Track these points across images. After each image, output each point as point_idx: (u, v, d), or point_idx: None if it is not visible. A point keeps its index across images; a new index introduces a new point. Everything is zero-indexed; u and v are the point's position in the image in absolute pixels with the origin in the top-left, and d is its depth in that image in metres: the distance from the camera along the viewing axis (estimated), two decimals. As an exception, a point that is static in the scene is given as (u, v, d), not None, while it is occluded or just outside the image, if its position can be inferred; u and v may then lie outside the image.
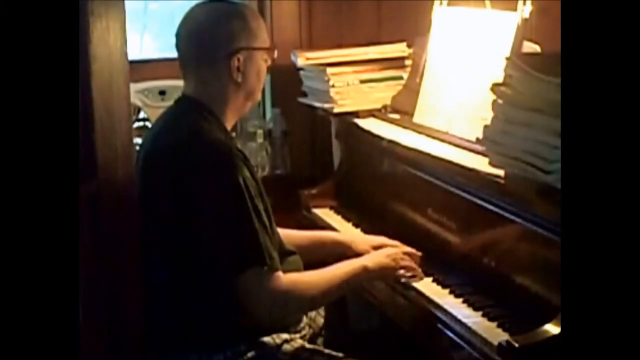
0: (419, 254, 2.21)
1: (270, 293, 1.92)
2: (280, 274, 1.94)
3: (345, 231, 2.53)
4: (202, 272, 1.95)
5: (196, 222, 1.93)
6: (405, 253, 2.18)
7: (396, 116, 2.69)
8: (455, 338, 1.87)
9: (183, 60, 2.12)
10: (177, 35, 2.12)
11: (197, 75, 2.09)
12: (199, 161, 1.95)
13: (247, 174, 1.97)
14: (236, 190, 1.92)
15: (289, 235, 2.22)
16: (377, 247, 2.31)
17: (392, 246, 2.30)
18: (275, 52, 2.18)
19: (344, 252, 2.31)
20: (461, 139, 2.29)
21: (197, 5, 2.14)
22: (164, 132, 2.08)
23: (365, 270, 2.08)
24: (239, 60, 2.07)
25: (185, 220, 1.93)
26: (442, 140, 2.36)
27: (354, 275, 2.07)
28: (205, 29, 2.07)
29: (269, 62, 2.17)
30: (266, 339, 2.00)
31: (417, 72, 2.63)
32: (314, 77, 2.88)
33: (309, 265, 2.18)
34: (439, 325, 1.93)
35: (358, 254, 2.25)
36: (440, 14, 2.56)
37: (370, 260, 2.12)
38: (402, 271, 2.14)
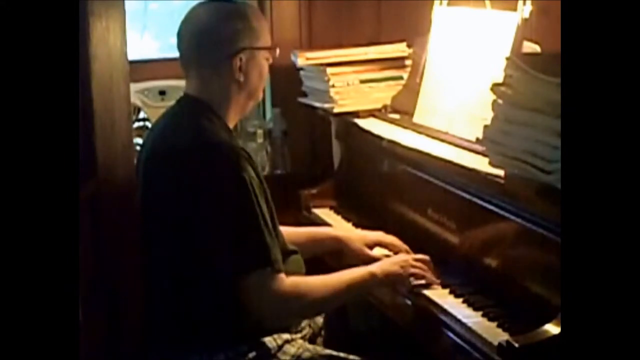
0: (427, 257, 2.14)
1: (273, 295, 1.91)
2: (283, 275, 1.94)
3: (345, 231, 2.53)
4: (205, 271, 1.94)
5: (201, 223, 1.92)
6: (417, 259, 2.13)
7: (396, 116, 2.69)
8: (455, 338, 1.87)
9: (185, 60, 2.12)
10: (179, 35, 2.12)
11: (199, 75, 2.09)
12: (204, 161, 1.95)
13: (252, 173, 1.97)
14: (241, 190, 1.92)
15: (286, 232, 2.21)
16: (371, 245, 2.32)
17: (389, 243, 2.31)
18: (278, 51, 2.18)
19: (340, 247, 2.31)
20: (461, 139, 2.29)
21: (198, 5, 2.14)
22: (167, 133, 2.08)
23: (372, 277, 2.05)
24: (241, 60, 2.07)
25: (189, 220, 1.93)
26: (442, 140, 2.36)
27: (359, 282, 2.04)
28: (207, 29, 2.07)
29: (271, 61, 2.17)
30: (267, 339, 2.00)
31: (417, 72, 2.63)
32: (314, 77, 2.88)
33: (308, 262, 2.18)
34: (439, 325, 1.93)
35: (353, 251, 2.27)
36: (440, 14, 2.56)
37: (378, 267, 2.07)
38: (411, 278, 2.08)
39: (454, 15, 2.52)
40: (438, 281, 2.08)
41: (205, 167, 1.94)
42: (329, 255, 2.40)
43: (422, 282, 2.07)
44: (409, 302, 2.08)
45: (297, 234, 2.31)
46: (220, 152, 1.96)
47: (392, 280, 2.09)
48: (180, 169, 1.96)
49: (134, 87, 2.76)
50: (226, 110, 2.09)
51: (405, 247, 2.28)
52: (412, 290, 2.08)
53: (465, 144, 2.24)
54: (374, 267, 2.07)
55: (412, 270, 2.08)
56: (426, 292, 2.05)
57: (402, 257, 2.16)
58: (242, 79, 2.08)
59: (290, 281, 1.95)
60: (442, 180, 2.22)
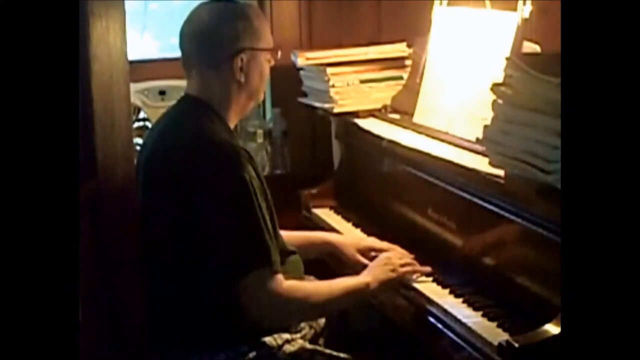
0: (412, 256, 2.20)
1: (271, 294, 1.92)
2: (281, 276, 1.94)
3: (345, 231, 2.53)
4: (205, 271, 1.94)
5: (202, 222, 1.92)
6: (399, 256, 2.18)
7: (396, 116, 2.69)
8: (455, 338, 1.87)
9: (186, 60, 2.12)
10: (181, 34, 2.12)
11: (200, 75, 2.09)
12: (205, 161, 1.95)
13: (253, 173, 1.97)
14: (243, 189, 1.92)
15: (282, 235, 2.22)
16: (364, 251, 2.31)
17: (383, 248, 2.29)
18: (279, 53, 2.18)
19: (333, 251, 2.32)
20: (461, 139, 2.29)
21: (201, 5, 2.14)
22: (167, 132, 2.08)
23: (367, 287, 2.07)
24: (242, 60, 2.07)
25: (190, 220, 1.93)
26: (442, 140, 2.36)
27: (354, 292, 2.07)
28: (208, 29, 2.07)
29: (272, 63, 2.17)
30: (267, 339, 2.00)
31: (417, 72, 2.63)
32: (314, 77, 2.88)
33: (306, 263, 2.19)
34: (439, 325, 1.93)
35: (345, 257, 2.28)
36: (440, 14, 2.56)
37: (371, 276, 2.10)
38: (406, 277, 2.13)
39: (454, 15, 2.52)
40: (428, 269, 2.13)
41: (205, 166, 1.94)
42: (329, 256, 2.40)
43: (415, 276, 2.13)
44: (409, 303, 2.08)
45: (291, 237, 2.30)
46: (221, 152, 1.96)
47: (388, 286, 2.12)
48: (180, 169, 1.96)
49: (134, 87, 2.76)
50: (227, 111, 2.09)
51: (398, 249, 2.27)
52: (405, 285, 2.11)
53: (465, 144, 2.24)
54: (368, 278, 2.10)
55: (403, 269, 2.12)
56: (426, 292, 2.05)
57: (387, 259, 2.17)
58: (242, 79, 2.08)
59: (287, 283, 1.95)
60: (442, 180, 2.22)
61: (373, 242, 2.35)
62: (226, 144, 1.98)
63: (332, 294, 2.03)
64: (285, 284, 1.94)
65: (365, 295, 2.12)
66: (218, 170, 1.94)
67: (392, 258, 2.17)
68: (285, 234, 2.23)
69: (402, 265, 2.14)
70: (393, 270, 2.11)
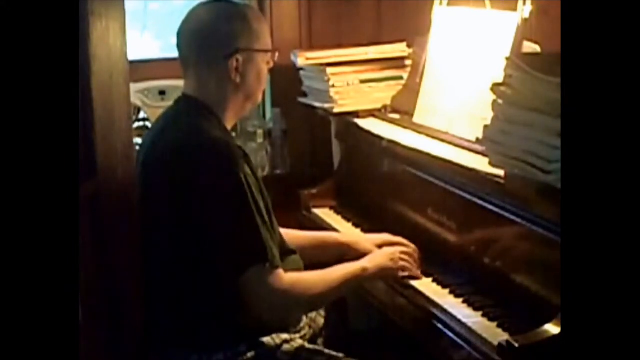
0: (414, 247, 2.23)
1: (272, 290, 1.92)
2: (281, 271, 1.94)
3: (345, 231, 2.53)
4: (204, 270, 1.95)
5: (198, 221, 1.93)
6: (404, 252, 2.19)
7: (396, 116, 2.69)
8: (455, 338, 1.87)
9: (184, 60, 2.12)
10: (179, 34, 2.12)
11: (197, 75, 2.09)
12: (200, 159, 1.95)
13: (248, 171, 1.97)
14: (238, 187, 1.92)
15: (291, 235, 2.22)
16: (380, 245, 2.31)
17: (395, 243, 2.30)
18: (277, 55, 2.18)
19: (346, 253, 2.31)
20: (461, 139, 2.29)
21: (200, 5, 2.14)
22: (164, 132, 2.08)
23: (364, 271, 2.09)
24: (238, 61, 2.06)
25: (187, 218, 1.93)
26: (442, 140, 2.36)
27: (353, 277, 2.07)
28: (206, 29, 2.07)
29: (271, 65, 2.16)
30: (266, 339, 2.00)
31: (417, 72, 2.63)
32: (314, 77, 2.88)
33: (311, 266, 2.18)
34: (439, 325, 1.93)
35: (362, 254, 2.25)
36: (440, 14, 2.56)
37: (369, 261, 2.12)
38: (400, 272, 2.14)
39: (454, 15, 2.52)
40: (421, 276, 2.15)
41: (201, 164, 1.95)
42: (334, 260, 2.39)
43: (406, 274, 2.15)
44: (409, 303, 2.08)
45: (303, 237, 2.30)
46: (215, 149, 1.96)
47: (384, 274, 2.13)
48: (176, 167, 1.96)
49: (134, 87, 2.76)
50: (223, 111, 2.09)
51: (412, 246, 2.27)
52: (400, 282, 2.13)
53: (465, 144, 2.24)
54: (366, 262, 2.12)
55: (402, 263, 2.14)
56: (426, 292, 2.06)
57: (391, 249, 2.20)
58: (238, 80, 2.07)
59: (288, 277, 1.95)
60: (442, 180, 2.22)
61: (385, 237, 2.33)
62: (221, 142, 1.98)
63: (332, 283, 2.03)
64: (286, 278, 1.95)
65: (363, 279, 2.12)
66: (213, 167, 1.94)
67: (397, 252, 2.18)
68: (295, 233, 2.24)
69: (402, 263, 2.15)
70: (392, 260, 2.13)
